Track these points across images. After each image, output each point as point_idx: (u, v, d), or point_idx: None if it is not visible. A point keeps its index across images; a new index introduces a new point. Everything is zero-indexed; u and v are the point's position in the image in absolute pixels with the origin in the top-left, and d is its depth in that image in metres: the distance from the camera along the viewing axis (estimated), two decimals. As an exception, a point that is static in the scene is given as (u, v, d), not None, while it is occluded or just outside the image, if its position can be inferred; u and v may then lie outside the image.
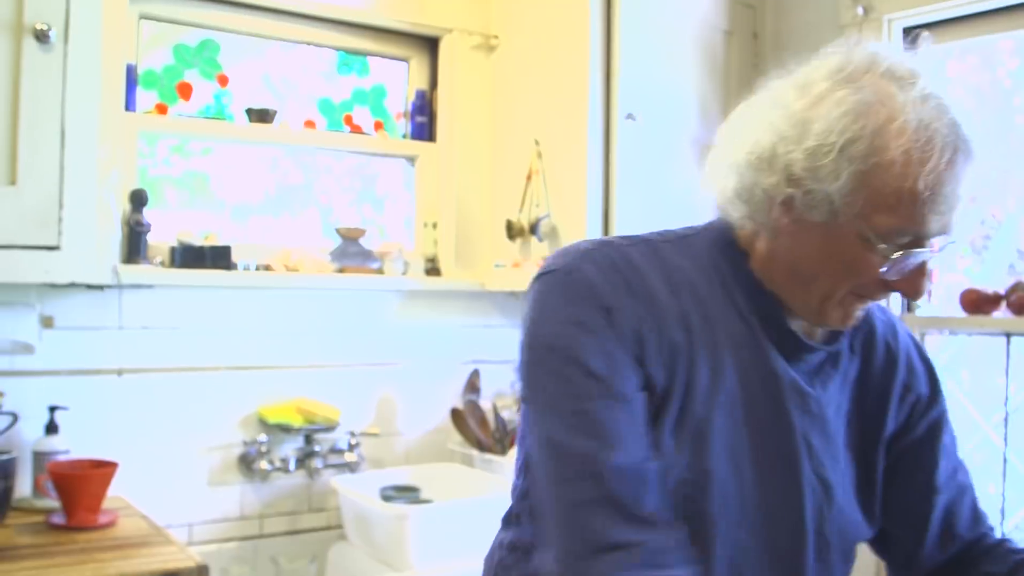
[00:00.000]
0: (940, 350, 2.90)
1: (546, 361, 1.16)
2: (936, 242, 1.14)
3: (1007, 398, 2.71)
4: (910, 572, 1.39)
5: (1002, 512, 2.71)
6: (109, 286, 2.46)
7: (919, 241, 1.12)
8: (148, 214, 2.56)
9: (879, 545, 1.41)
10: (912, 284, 1.15)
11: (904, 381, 1.36)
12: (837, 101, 1.11)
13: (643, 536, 1.09)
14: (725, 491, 1.19)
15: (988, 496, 2.79)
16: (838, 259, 1.15)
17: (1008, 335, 2.71)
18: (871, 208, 1.10)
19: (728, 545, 1.20)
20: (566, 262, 1.20)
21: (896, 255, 1.12)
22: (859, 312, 1.22)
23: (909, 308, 2.93)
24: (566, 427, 1.13)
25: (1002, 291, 2.70)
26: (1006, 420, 2.72)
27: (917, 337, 2.83)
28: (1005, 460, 2.71)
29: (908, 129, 1.08)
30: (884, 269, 1.13)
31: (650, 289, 1.19)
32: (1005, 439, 2.72)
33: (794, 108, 1.15)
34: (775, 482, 1.24)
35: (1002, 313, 2.70)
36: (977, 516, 1.41)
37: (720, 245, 1.27)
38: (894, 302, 2.89)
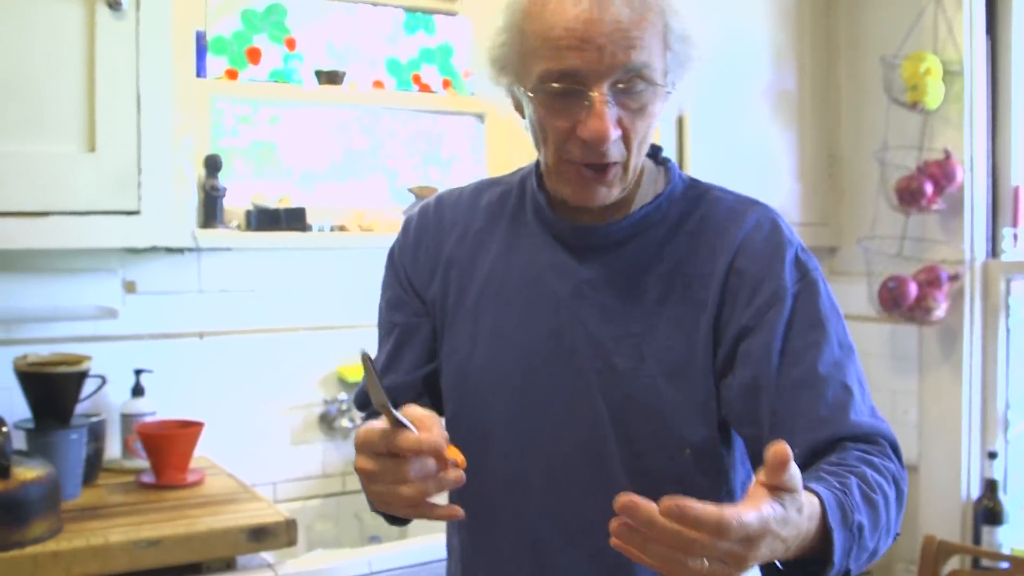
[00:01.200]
0: (1026, 296, 2.83)
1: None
2: (604, 84, 1.14)
3: (1098, 343, 2.64)
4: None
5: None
6: (188, 249, 2.50)
7: (578, 84, 1.15)
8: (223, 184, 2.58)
9: (738, 443, 1.29)
10: (586, 128, 1.16)
11: (735, 265, 1.24)
12: None
13: None
14: (504, 382, 1.28)
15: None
16: (533, 122, 1.22)
17: (1098, 279, 2.63)
18: (523, 57, 1.19)
19: (514, 434, 1.29)
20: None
21: (546, 96, 1.17)
22: (599, 188, 1.21)
23: (994, 253, 2.86)
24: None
25: (1091, 234, 2.63)
26: (1097, 365, 2.65)
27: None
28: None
29: None
30: (538, 105, 1.18)
31: (444, 222, 1.39)
32: (1096, 385, 2.65)
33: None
34: (558, 371, 1.26)
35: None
36: (814, 422, 1.17)
37: (535, 164, 1.37)
38: (979, 249, 2.82)
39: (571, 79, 1.15)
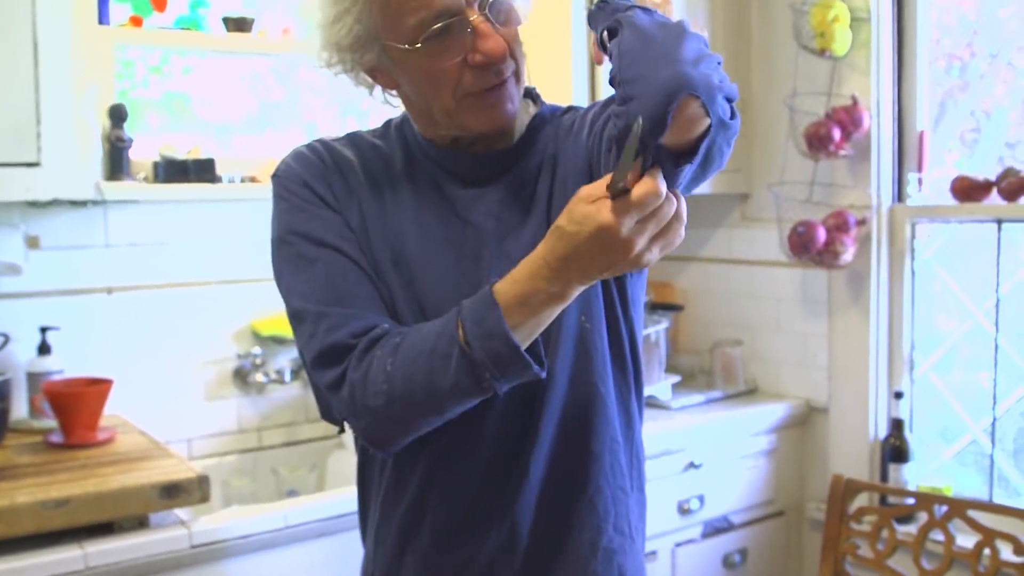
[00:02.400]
0: (931, 239, 2.90)
1: (276, 253, 1.33)
2: (475, 6, 1.21)
3: (998, 284, 2.72)
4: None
5: (994, 398, 2.73)
6: (93, 203, 2.43)
7: (455, 15, 1.20)
8: (131, 136, 2.51)
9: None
10: (481, 50, 1.21)
11: (574, 131, 1.35)
12: None
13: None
14: (441, 311, 1.25)
15: (979, 383, 2.82)
16: (418, 79, 1.26)
17: (999, 221, 2.70)
18: (389, 23, 1.22)
19: None
20: (278, 165, 1.37)
21: (428, 41, 1.20)
22: (503, 105, 1.27)
23: (900, 198, 2.92)
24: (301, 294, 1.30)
25: (993, 178, 2.69)
26: (997, 306, 2.73)
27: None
28: (997, 346, 2.73)
29: None
30: (428, 57, 1.22)
31: (341, 160, 1.35)
32: (996, 325, 2.73)
33: None
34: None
35: (993, 200, 2.69)
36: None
37: (404, 119, 1.41)
38: (885, 194, 2.88)
39: (446, 14, 1.20)
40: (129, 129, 2.50)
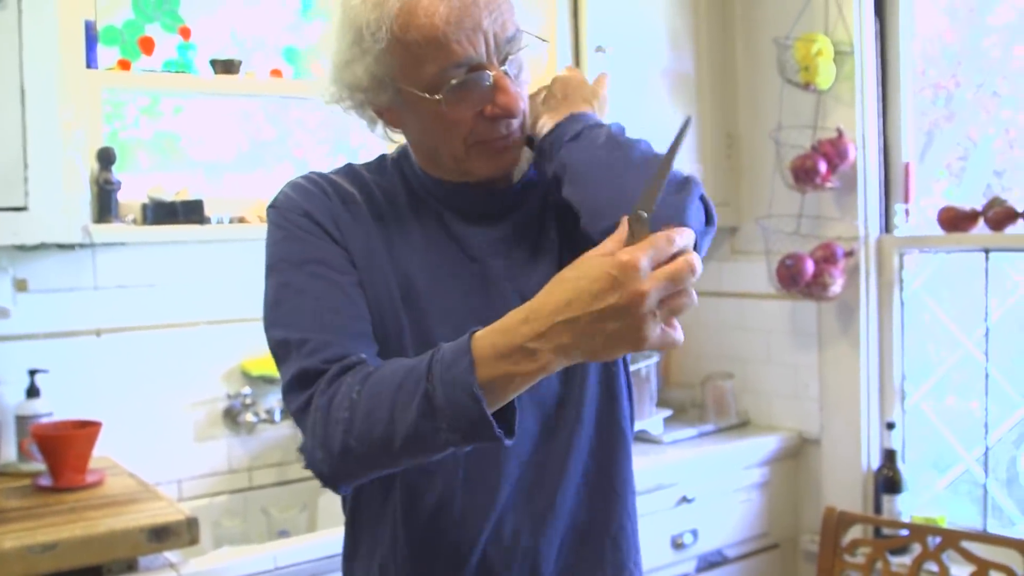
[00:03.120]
0: (919, 269, 2.91)
1: (268, 279, 1.29)
2: (495, 60, 1.23)
3: (987, 313, 2.73)
4: None
5: (986, 427, 2.73)
6: (81, 245, 2.43)
7: (475, 69, 1.22)
8: (121, 177, 2.52)
9: None
10: (499, 104, 1.23)
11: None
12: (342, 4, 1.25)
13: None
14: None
15: (971, 412, 2.81)
16: (430, 124, 1.26)
17: (987, 251, 2.72)
18: (409, 68, 1.22)
19: None
20: (275, 195, 1.34)
21: (449, 92, 1.21)
22: (508, 153, 1.30)
23: (887, 229, 2.93)
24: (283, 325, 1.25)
25: (979, 208, 2.70)
26: (987, 335, 2.73)
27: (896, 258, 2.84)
28: (987, 375, 2.73)
29: None
30: (446, 107, 1.22)
31: (343, 193, 1.33)
32: (986, 354, 2.74)
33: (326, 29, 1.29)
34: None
35: (980, 229, 2.70)
36: None
37: (401, 154, 1.40)
38: (873, 225, 2.89)
39: (468, 67, 1.21)
40: (120, 169, 2.51)
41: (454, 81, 1.21)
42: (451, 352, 1.07)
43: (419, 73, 1.22)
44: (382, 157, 1.43)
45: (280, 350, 1.24)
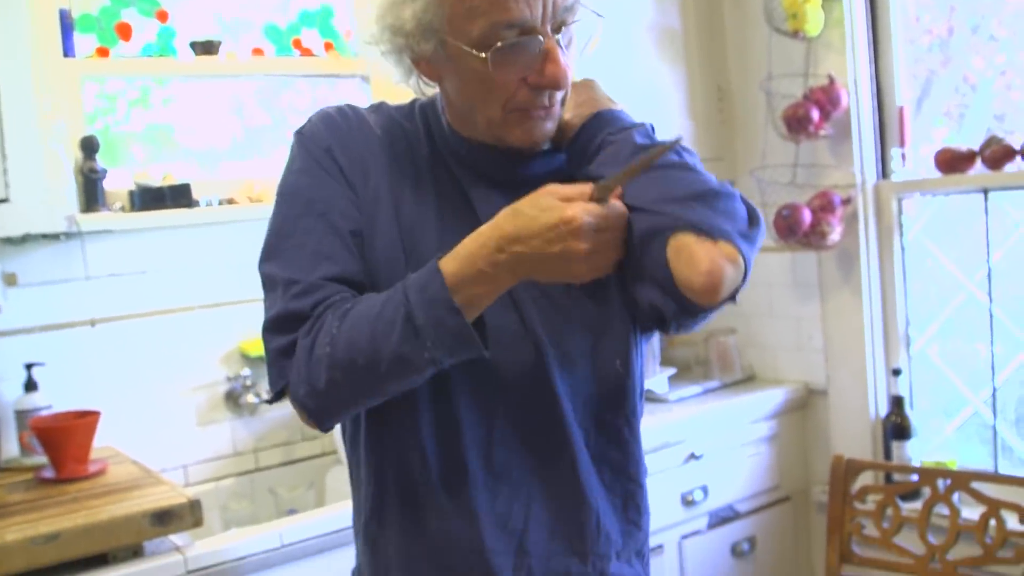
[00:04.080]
0: (918, 214, 2.88)
1: (276, 203, 1.31)
2: (548, 27, 1.18)
3: (988, 254, 2.70)
4: (668, 324, 1.25)
5: (992, 368, 2.71)
6: (68, 235, 2.41)
7: (526, 32, 1.17)
8: (116, 170, 2.50)
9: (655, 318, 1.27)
10: (546, 74, 1.19)
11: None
12: None
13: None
14: None
15: (977, 354, 2.79)
16: (471, 82, 1.22)
17: (985, 191, 2.68)
18: (460, 20, 1.17)
19: (469, 368, 1.23)
20: (303, 123, 1.35)
21: (497, 53, 1.17)
22: (545, 124, 1.26)
23: (884, 174, 2.90)
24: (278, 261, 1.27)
25: (976, 148, 2.67)
26: (989, 276, 2.70)
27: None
28: (991, 316, 2.70)
29: None
30: (492, 68, 1.18)
31: (368, 134, 1.32)
32: (989, 295, 2.71)
33: None
34: (503, 302, 1.24)
35: (978, 170, 2.67)
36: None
37: (428, 104, 1.37)
38: (869, 171, 2.86)
39: (520, 29, 1.17)
40: (114, 164, 2.49)
41: (501, 43, 1.17)
42: (422, 277, 1.16)
43: (469, 26, 1.17)
44: (413, 102, 1.40)
45: (269, 284, 1.27)
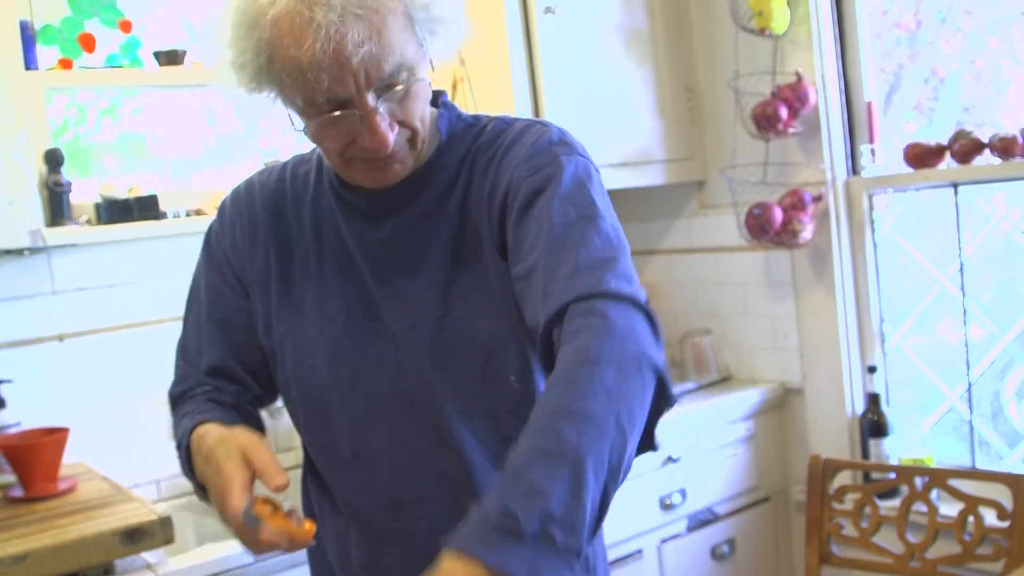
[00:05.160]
0: (890, 210, 2.88)
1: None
2: (369, 96, 1.17)
3: (960, 248, 2.70)
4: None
5: (967, 362, 2.71)
6: (33, 250, 2.38)
7: (346, 104, 1.17)
8: (87, 181, 2.47)
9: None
10: (368, 143, 1.20)
11: (490, 186, 1.28)
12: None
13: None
14: (334, 357, 1.32)
15: (952, 349, 2.79)
16: (310, 134, 1.24)
17: (955, 185, 2.68)
18: (285, 88, 1.19)
19: (350, 405, 1.33)
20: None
21: (317, 124, 1.20)
22: (390, 168, 1.26)
23: (854, 171, 2.90)
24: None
25: (945, 142, 2.67)
26: (961, 270, 2.71)
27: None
28: (965, 311, 2.71)
29: (279, 16, 1.14)
30: (315, 137, 1.23)
31: (253, 208, 1.41)
32: (962, 289, 2.71)
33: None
34: (379, 335, 1.30)
35: (947, 164, 2.67)
36: (542, 297, 1.15)
37: None
38: (839, 168, 2.86)
39: (336, 103, 1.18)
40: (85, 174, 2.46)
41: (319, 119, 1.19)
42: (180, 448, 1.34)
43: (291, 94, 1.20)
44: None
45: None
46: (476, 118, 1.37)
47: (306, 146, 1.39)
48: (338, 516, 1.42)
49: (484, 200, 1.28)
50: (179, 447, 1.33)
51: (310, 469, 1.47)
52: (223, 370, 1.41)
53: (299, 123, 1.24)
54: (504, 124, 1.34)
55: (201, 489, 1.30)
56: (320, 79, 1.14)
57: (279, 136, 2.98)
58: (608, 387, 1.01)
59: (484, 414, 1.30)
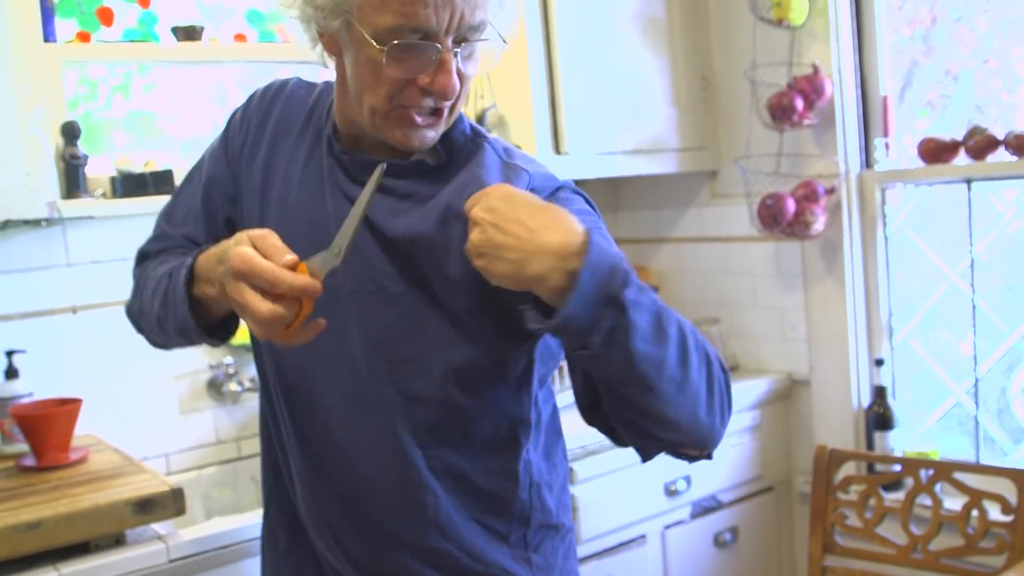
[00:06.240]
0: (902, 204, 2.88)
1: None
2: (449, 39, 1.20)
3: (971, 245, 2.71)
4: (590, 414, 1.29)
5: (975, 358, 2.72)
6: (50, 222, 2.39)
7: (428, 38, 1.20)
8: (95, 157, 2.48)
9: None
10: (435, 82, 1.22)
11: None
12: None
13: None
14: None
15: (959, 345, 2.80)
16: (364, 69, 1.24)
17: (968, 181, 2.69)
18: (369, 9, 1.19)
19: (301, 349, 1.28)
20: None
21: (393, 49, 1.19)
22: (427, 132, 1.28)
23: (868, 164, 2.90)
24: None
25: (959, 138, 2.67)
26: (972, 266, 2.71)
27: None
28: (974, 307, 2.71)
29: None
30: (386, 62, 1.20)
31: (271, 110, 1.46)
32: (972, 285, 2.72)
33: None
34: (336, 291, 1.30)
35: (961, 160, 2.68)
36: None
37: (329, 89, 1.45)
38: (853, 161, 2.86)
39: (421, 34, 1.20)
40: (96, 150, 2.47)
41: (399, 42, 1.19)
42: (184, 261, 1.34)
43: (376, 18, 1.20)
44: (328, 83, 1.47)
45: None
46: (475, 130, 1.39)
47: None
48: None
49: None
50: (170, 272, 1.36)
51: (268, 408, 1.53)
52: (200, 244, 1.46)
53: (363, 53, 1.22)
54: (512, 170, 1.33)
55: (190, 309, 1.33)
56: (425, 3, 1.17)
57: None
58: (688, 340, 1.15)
59: (419, 399, 1.34)
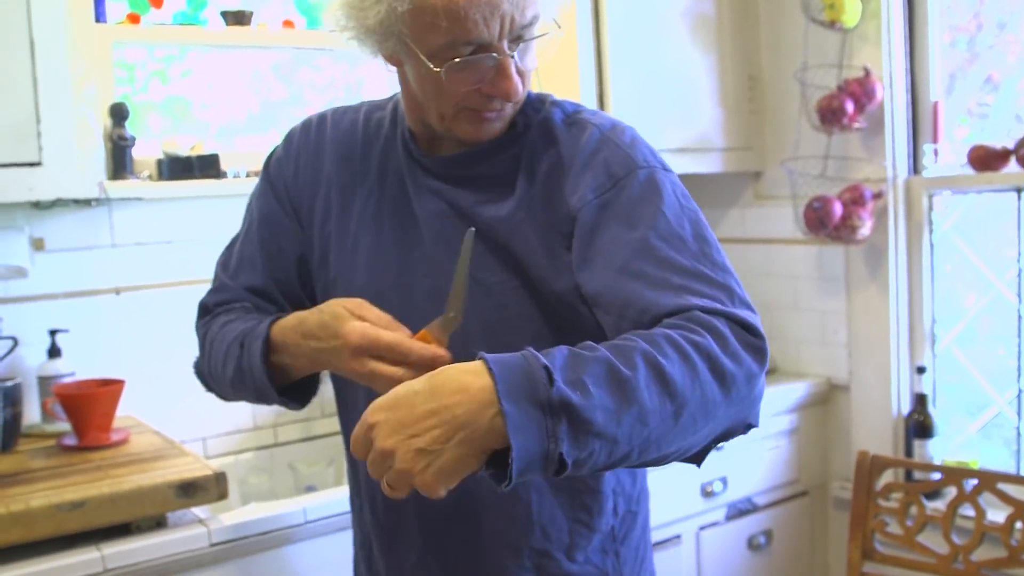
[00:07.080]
0: (949, 211, 2.85)
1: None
2: (504, 43, 1.20)
3: (1020, 253, 2.67)
4: None
5: (1019, 369, 2.68)
6: (97, 201, 2.40)
7: (483, 48, 1.20)
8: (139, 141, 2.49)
9: None
10: (497, 88, 1.23)
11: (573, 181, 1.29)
12: None
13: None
14: (383, 303, 1.28)
15: (999, 357, 2.77)
16: (425, 82, 1.25)
17: (1019, 190, 2.66)
18: (420, 30, 1.19)
19: None
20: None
21: (451, 67, 1.20)
22: (495, 124, 1.29)
23: (916, 170, 2.87)
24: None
25: (1011, 146, 2.64)
26: (1020, 275, 2.68)
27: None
28: (1020, 317, 2.68)
29: None
30: (446, 79, 1.21)
31: (323, 138, 1.45)
32: (1019, 295, 2.68)
33: None
34: (431, 290, 1.32)
35: (1011, 168, 2.64)
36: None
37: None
38: (901, 166, 2.83)
39: (477, 46, 1.20)
40: (132, 131, 2.47)
41: (458, 60, 1.19)
42: (257, 329, 1.33)
43: (428, 38, 1.20)
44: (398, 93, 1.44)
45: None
46: (540, 97, 1.39)
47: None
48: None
49: (558, 190, 1.29)
50: (242, 341, 1.35)
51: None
52: (262, 291, 1.46)
53: (422, 69, 1.22)
54: (576, 126, 1.34)
55: (271, 381, 1.32)
56: (474, 18, 1.16)
57: (323, 105, 2.98)
58: (694, 374, 1.07)
59: None
